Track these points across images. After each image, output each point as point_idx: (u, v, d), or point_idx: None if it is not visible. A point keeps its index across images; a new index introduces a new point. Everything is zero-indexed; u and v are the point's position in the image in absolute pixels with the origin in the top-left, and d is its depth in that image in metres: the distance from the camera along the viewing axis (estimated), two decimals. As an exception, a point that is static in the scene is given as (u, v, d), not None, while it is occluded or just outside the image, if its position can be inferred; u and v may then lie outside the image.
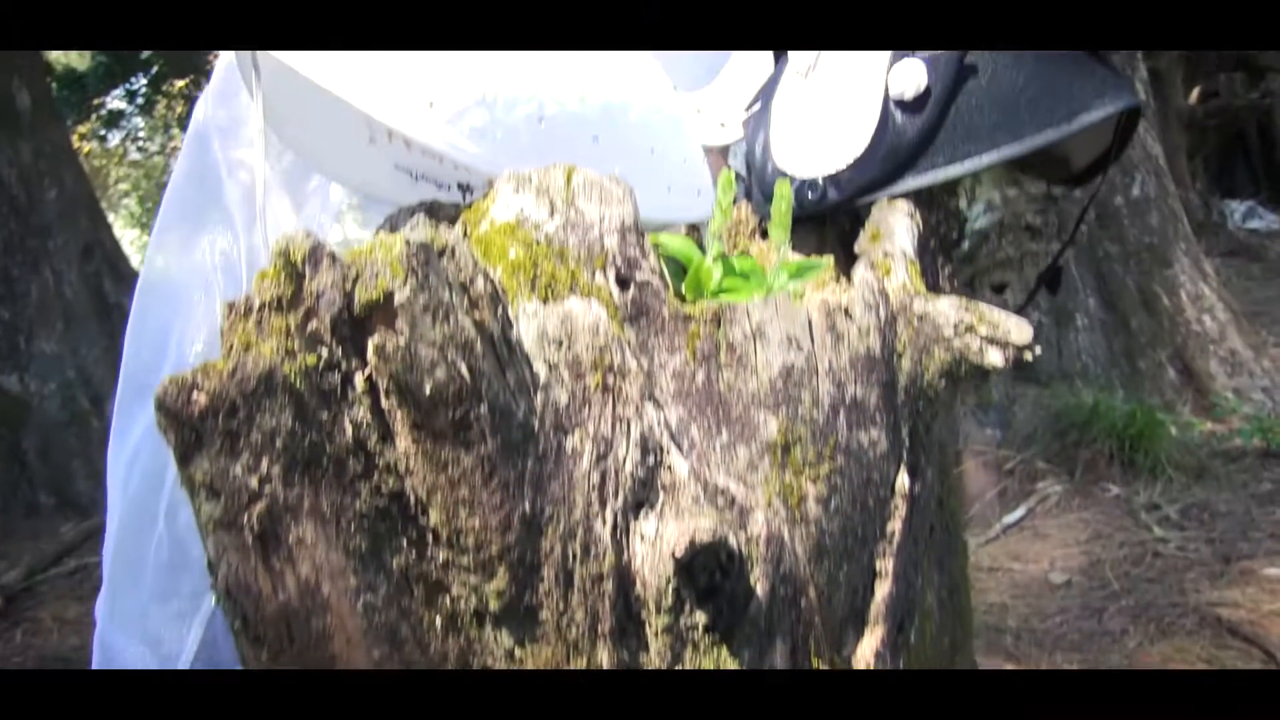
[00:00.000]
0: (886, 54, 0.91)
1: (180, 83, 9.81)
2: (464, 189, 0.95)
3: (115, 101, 9.86)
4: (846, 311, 0.75)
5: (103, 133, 10.66)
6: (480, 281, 0.68)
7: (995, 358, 0.77)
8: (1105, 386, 2.90)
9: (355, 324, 0.70)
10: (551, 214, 0.76)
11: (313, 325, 0.70)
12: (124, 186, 12.33)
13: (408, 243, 0.66)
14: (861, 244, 0.88)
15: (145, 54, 9.25)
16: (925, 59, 0.88)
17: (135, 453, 0.90)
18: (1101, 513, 2.61)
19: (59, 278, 3.76)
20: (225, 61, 0.96)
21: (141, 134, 11.48)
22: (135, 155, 11.97)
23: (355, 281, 0.69)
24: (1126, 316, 2.96)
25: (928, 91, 0.88)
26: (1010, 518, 2.59)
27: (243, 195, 0.91)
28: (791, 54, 1.00)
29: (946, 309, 0.77)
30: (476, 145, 0.80)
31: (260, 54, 0.82)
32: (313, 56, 0.79)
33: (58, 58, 9.28)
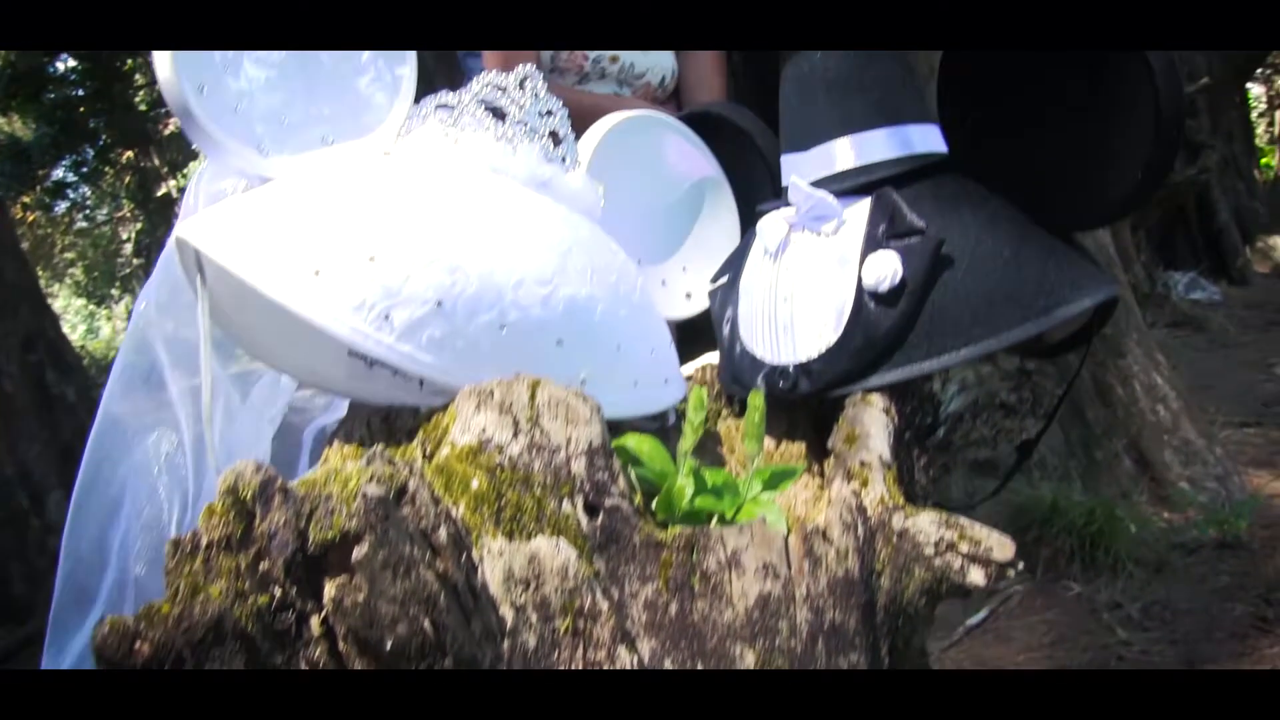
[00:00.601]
0: (859, 242, 0.88)
1: (128, 153, 9.72)
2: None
3: (61, 171, 9.75)
4: (824, 534, 0.72)
5: (47, 201, 10.51)
6: (443, 530, 0.65)
7: (977, 576, 0.74)
8: (1063, 478, 2.89)
9: (310, 562, 0.66)
10: (515, 434, 0.73)
11: (264, 565, 0.66)
12: (70, 255, 12.17)
13: (365, 495, 0.62)
14: (836, 445, 0.85)
15: (91, 124, 9.17)
16: (899, 250, 0.85)
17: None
18: (1064, 613, 2.58)
19: (-2, 370, 3.65)
20: (166, 256, 0.92)
21: (88, 202, 11.34)
22: (82, 223, 11.83)
23: (309, 519, 0.65)
24: (1082, 408, 2.96)
25: (903, 283, 0.85)
26: (973, 620, 2.55)
27: (188, 394, 0.87)
28: (760, 228, 0.97)
29: (926, 526, 0.75)
30: (435, 356, 0.76)
31: (204, 254, 0.79)
32: (259, 264, 0.75)
33: (1, 124, 9.15)
